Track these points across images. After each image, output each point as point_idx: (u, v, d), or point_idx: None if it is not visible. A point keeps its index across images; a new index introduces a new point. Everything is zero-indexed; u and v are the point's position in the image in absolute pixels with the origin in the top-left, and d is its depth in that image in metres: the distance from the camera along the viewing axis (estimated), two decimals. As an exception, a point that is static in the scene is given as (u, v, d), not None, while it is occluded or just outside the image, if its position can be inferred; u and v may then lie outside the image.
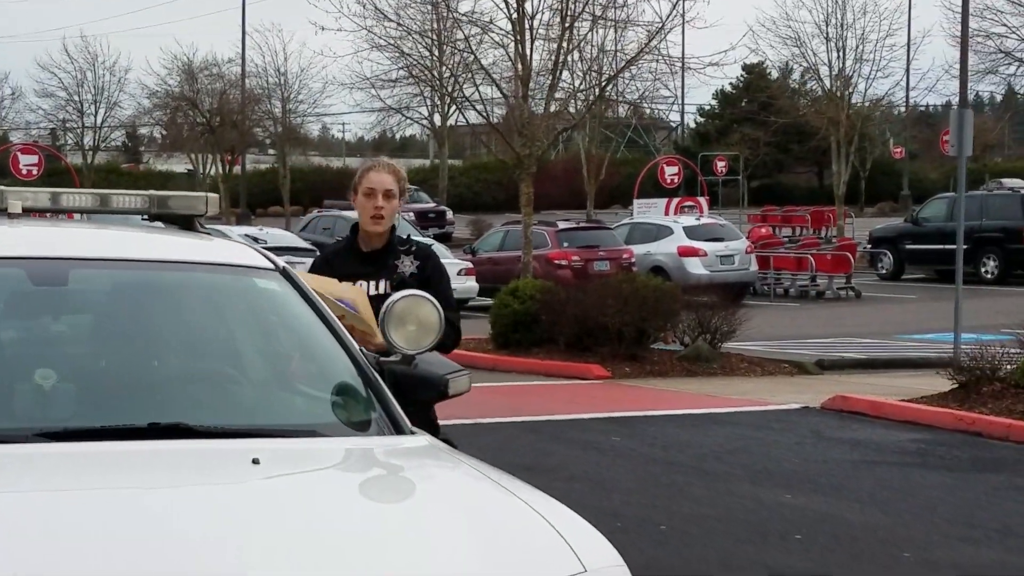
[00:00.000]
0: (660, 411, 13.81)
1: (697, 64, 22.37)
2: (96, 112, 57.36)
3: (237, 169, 55.92)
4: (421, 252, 5.80)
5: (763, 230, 40.73)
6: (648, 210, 36.37)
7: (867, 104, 45.75)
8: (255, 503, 3.32)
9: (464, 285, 28.09)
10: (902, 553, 8.21)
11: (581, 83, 22.67)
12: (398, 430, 4.04)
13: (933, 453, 11.69)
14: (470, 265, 28.74)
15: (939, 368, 17.67)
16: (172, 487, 3.43)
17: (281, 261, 4.51)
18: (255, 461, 3.52)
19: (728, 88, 70.84)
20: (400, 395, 4.25)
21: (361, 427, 4.07)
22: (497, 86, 21.65)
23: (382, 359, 4.34)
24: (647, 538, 8.37)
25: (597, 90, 22.97)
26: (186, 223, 4.85)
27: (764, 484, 10.20)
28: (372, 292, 5.52)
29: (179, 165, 62.66)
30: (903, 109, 58.36)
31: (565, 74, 21.66)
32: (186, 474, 3.51)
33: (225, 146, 53.77)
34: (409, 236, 5.96)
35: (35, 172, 31.16)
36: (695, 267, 30.04)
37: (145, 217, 4.95)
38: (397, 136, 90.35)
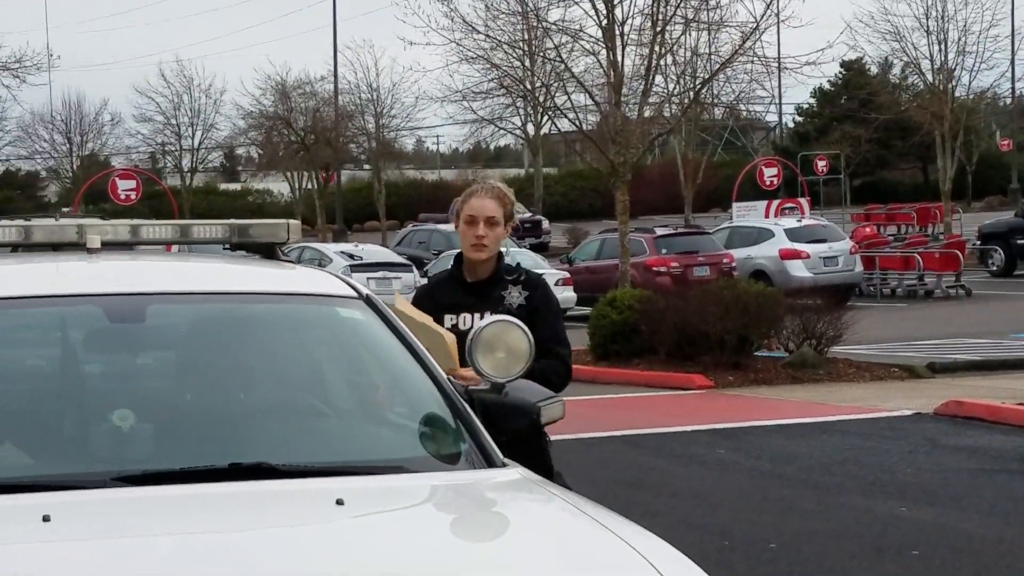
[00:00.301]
0: (766, 421, 13.48)
1: (794, 64, 21.97)
2: (193, 134, 58.07)
3: (332, 185, 56.18)
4: (530, 282, 5.36)
5: (867, 229, 39.99)
6: (748, 213, 35.89)
7: (971, 97, 44.80)
8: (339, 546, 3.16)
9: (562, 295, 27.85)
10: (1027, 568, 7.85)
11: (675, 87, 22.37)
12: (489, 462, 3.83)
13: (1054, 458, 11.25)
14: (567, 275, 28.52)
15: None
16: (253, 530, 3.29)
17: (365, 289, 4.33)
18: (339, 502, 3.35)
19: (826, 86, 69.97)
20: (490, 425, 4.05)
21: (450, 460, 3.88)
22: (589, 94, 21.43)
23: (471, 388, 4.13)
24: (756, 557, 8.08)
25: (692, 94, 22.66)
26: (268, 251, 4.69)
27: (877, 496, 9.85)
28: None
29: (276, 184, 63.14)
30: (1009, 101, 57.23)
31: (658, 79, 21.40)
32: (268, 517, 3.36)
33: (320, 163, 54.08)
34: (518, 265, 5.56)
35: (133, 197, 31.49)
36: (798, 270, 29.58)
37: (227, 247, 4.79)
38: (491, 147, 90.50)
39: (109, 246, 4.43)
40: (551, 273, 28.41)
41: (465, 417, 3.95)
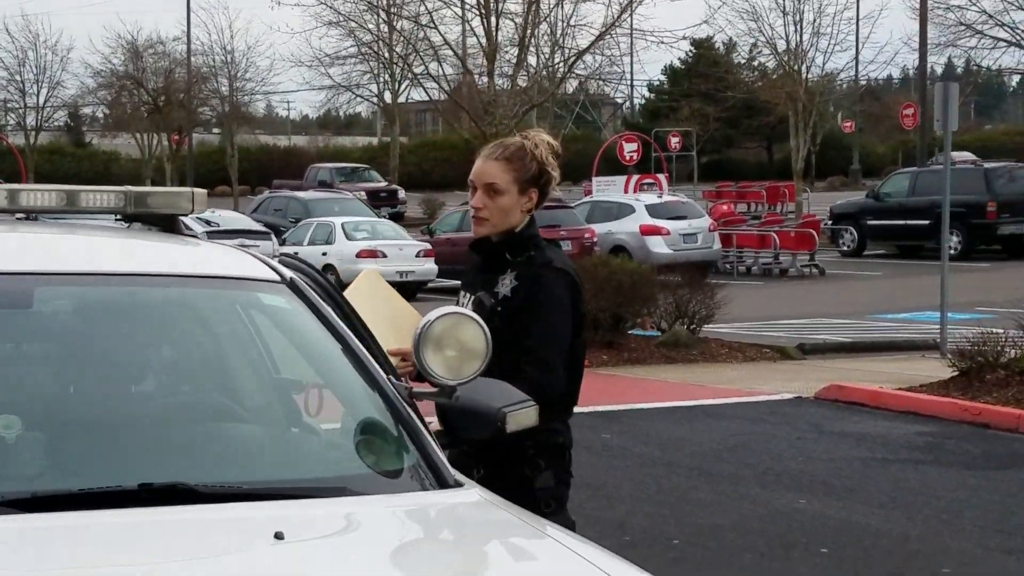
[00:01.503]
0: (648, 404, 13.07)
1: (670, 38, 21.61)
2: (38, 92, 55.99)
3: (183, 148, 54.71)
4: (525, 270, 4.31)
5: (725, 207, 40.10)
6: (607, 188, 35.62)
7: (824, 78, 45.13)
8: None
9: (423, 267, 27.36)
10: (941, 569, 7.52)
11: (548, 59, 21.88)
12: (440, 481, 3.26)
13: (943, 448, 11.02)
14: (428, 246, 27.95)
15: (924, 351, 17.25)
16: (186, 571, 2.66)
17: (288, 271, 3.71)
18: (278, 536, 2.74)
19: (677, 64, 70.27)
20: (448, 434, 3.49)
21: (393, 476, 3.29)
22: (462, 62, 20.83)
23: (416, 390, 3.56)
24: (661, 555, 7.64)
25: (564, 66, 22.19)
26: (168, 224, 4.02)
27: (774, 487, 9.49)
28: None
29: (124, 146, 61.30)
30: (853, 83, 57.86)
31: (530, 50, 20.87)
32: (192, 555, 2.72)
33: (172, 126, 52.55)
34: (535, 243, 4.40)
35: (-25, 154, 30.05)
36: (658, 246, 29.39)
37: (119, 218, 4.12)
38: (343, 114, 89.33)
39: None
40: (411, 244, 27.84)
41: (410, 425, 3.38)
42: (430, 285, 27.22)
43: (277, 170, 57.05)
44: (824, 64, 45.59)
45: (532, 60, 21.53)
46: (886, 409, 12.70)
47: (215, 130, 62.30)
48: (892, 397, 12.94)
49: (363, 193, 43.78)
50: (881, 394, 13.08)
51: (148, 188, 4.04)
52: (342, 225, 28.13)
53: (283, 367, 3.62)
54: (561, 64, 22.59)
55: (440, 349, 3.45)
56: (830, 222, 36.47)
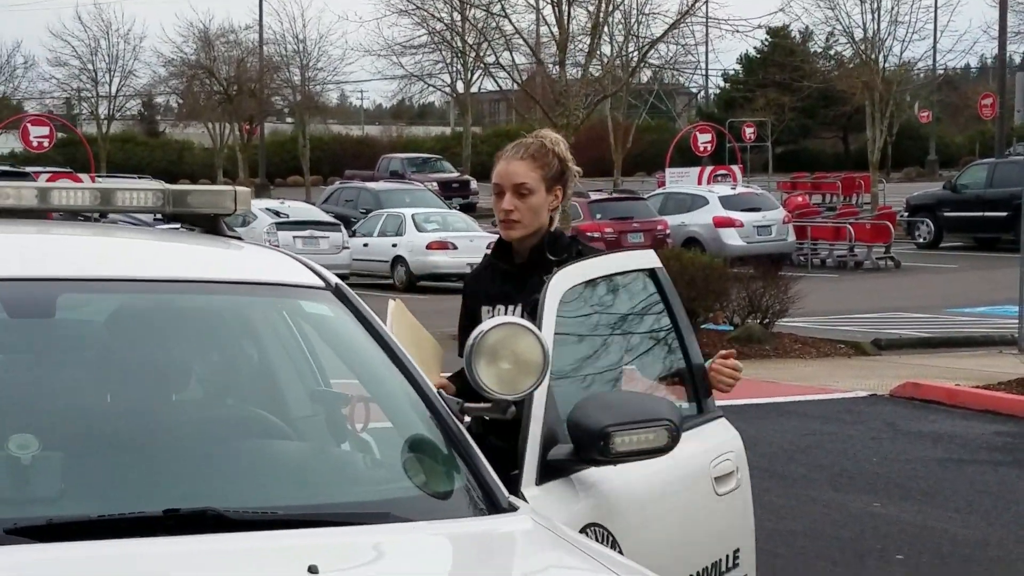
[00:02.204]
0: (719, 401, 12.75)
1: (745, 27, 21.27)
2: (111, 81, 56.35)
3: (255, 138, 54.88)
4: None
5: (800, 199, 39.58)
6: (680, 179, 35.27)
7: (901, 67, 44.43)
8: None
9: (493, 259, 27.12)
10: (1022, 578, 7.24)
11: (622, 48, 21.59)
12: (492, 504, 3.05)
13: (1022, 449, 10.68)
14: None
15: (1002, 346, 16.83)
16: None
17: (333, 277, 3.51)
18: (312, 570, 2.53)
19: (752, 52, 69.62)
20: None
21: (444, 498, 3.09)
22: (533, 52, 20.59)
23: (467, 405, 3.35)
24: (731, 562, 7.39)
25: (638, 54, 21.89)
26: (210, 224, 3.82)
27: (847, 490, 9.21)
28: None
29: (196, 135, 61.60)
30: (930, 72, 56.98)
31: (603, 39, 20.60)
32: None
33: (243, 115, 52.67)
34: (574, 240, 4.34)
35: (46, 144, 30.15)
36: (732, 238, 29.07)
37: (159, 217, 3.93)
38: (416, 104, 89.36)
39: (9, 214, 3.58)
40: (482, 235, 27.65)
41: (461, 442, 3.17)
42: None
43: (349, 160, 57.10)
44: (902, 53, 44.78)
45: (606, 49, 21.33)
46: (963, 408, 12.36)
47: (288, 119, 62.51)
48: (970, 395, 12.59)
49: (435, 184, 43.69)
50: (958, 392, 12.73)
51: (188, 186, 3.85)
52: (412, 216, 27.98)
53: (327, 379, 3.41)
54: (635, 53, 22.29)
55: (494, 361, 3.25)
56: (906, 214, 35.92)
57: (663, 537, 3.80)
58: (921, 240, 34.94)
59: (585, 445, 3.43)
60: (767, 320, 16.91)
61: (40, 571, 2.50)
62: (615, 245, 26.57)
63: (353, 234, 28.03)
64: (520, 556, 2.92)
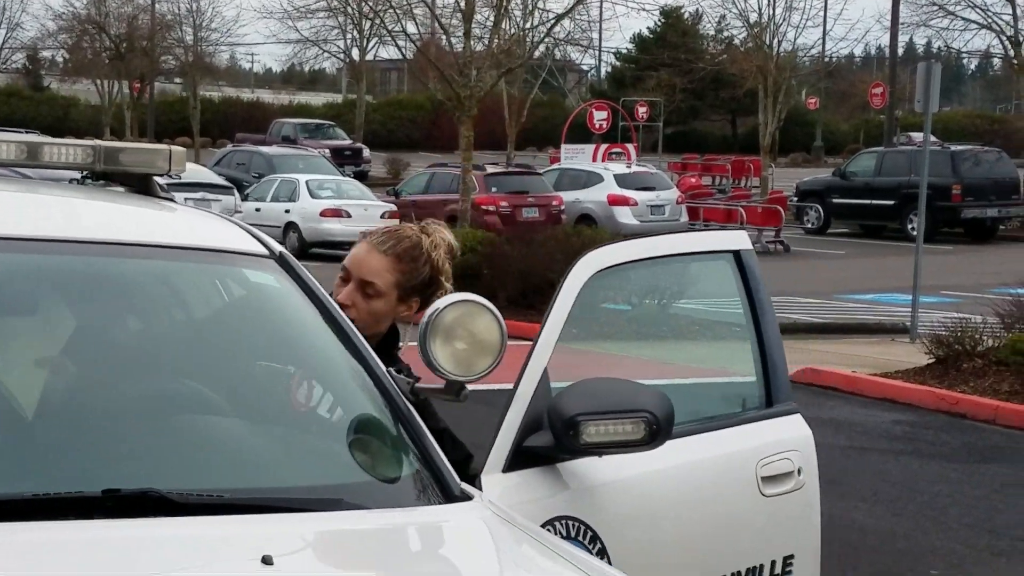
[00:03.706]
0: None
1: (652, 5, 21.21)
2: (-3, 33, 54.99)
3: (145, 97, 53.89)
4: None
5: (692, 179, 39.84)
6: (575, 156, 35.26)
7: (792, 53, 44.82)
8: None
9: (387, 228, 26.88)
10: (930, 571, 7.23)
11: (526, 20, 21.46)
12: (443, 490, 2.88)
13: (922, 438, 10.74)
14: (394, 207, 27.48)
15: (894, 334, 16.99)
16: None
17: (277, 245, 3.30)
18: (266, 560, 2.35)
19: (646, 32, 69.98)
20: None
21: (392, 482, 2.91)
22: (438, 21, 20.37)
23: (417, 386, 3.17)
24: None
25: (543, 29, 21.77)
26: (141, 184, 3.57)
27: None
28: None
29: (83, 91, 60.33)
30: (819, 59, 57.62)
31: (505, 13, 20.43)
32: None
33: (133, 73, 51.70)
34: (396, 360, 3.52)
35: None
36: (625, 216, 29.13)
37: (85, 175, 3.68)
38: (307, 70, 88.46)
39: None
40: (377, 205, 27.38)
41: (412, 425, 3.00)
42: (394, 247, 26.81)
43: (240, 123, 56.31)
44: (796, 39, 45.18)
45: (504, 24, 21.16)
46: (862, 395, 12.43)
47: (177, 80, 61.45)
48: (868, 383, 12.66)
49: (327, 151, 43.22)
50: (857, 379, 12.80)
51: (120, 143, 3.62)
52: (307, 183, 27.61)
53: (270, 353, 3.20)
54: (540, 27, 22.17)
55: (449, 341, 3.08)
56: (796, 199, 36.28)
57: (666, 537, 3.58)
58: (810, 225, 35.30)
59: (557, 434, 3.28)
60: (664, 300, 16.87)
61: None
62: (510, 219, 26.46)
63: (246, 198, 27.60)
64: (469, 547, 2.76)
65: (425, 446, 2.97)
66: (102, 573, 2.29)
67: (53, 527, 2.39)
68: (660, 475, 3.56)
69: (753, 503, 3.79)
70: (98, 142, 3.52)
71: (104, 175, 3.57)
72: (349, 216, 26.33)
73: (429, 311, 3.08)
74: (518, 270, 16.10)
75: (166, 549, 2.40)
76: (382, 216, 26.94)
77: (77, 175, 3.60)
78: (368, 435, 2.99)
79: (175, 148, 3.62)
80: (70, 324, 3.00)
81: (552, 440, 3.31)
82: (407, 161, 48.51)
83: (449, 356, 3.06)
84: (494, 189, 27.95)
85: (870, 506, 8.48)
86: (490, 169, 29.34)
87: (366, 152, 48.52)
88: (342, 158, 43.77)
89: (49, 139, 3.60)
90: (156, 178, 3.65)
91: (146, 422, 2.80)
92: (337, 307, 3.24)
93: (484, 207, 26.69)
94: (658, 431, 3.28)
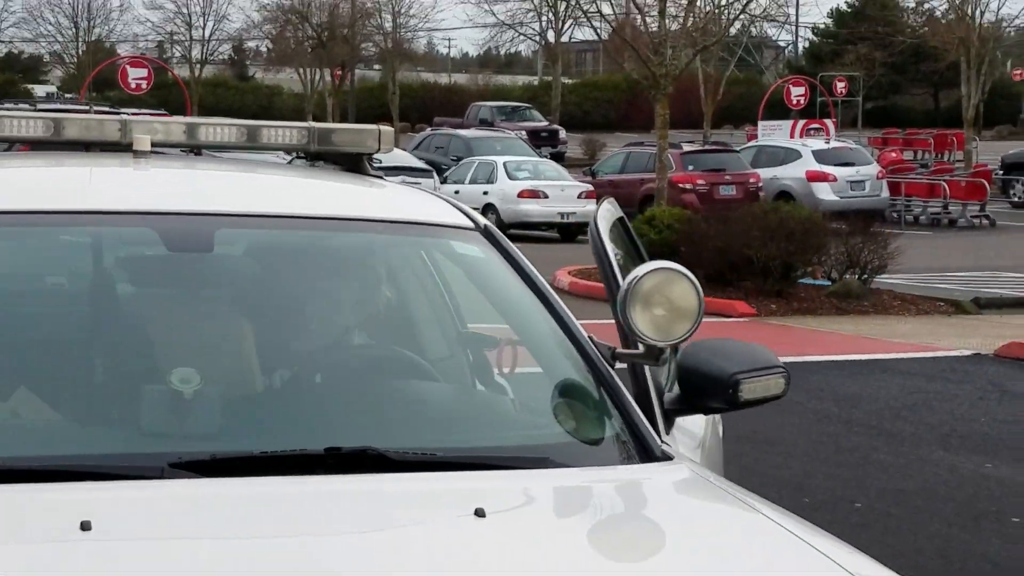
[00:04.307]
0: (820, 356, 12.65)
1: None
2: (204, 25, 56.67)
3: (346, 84, 54.95)
4: None
5: (893, 154, 39.05)
6: (773, 132, 34.88)
7: (1001, 23, 43.58)
8: None
9: (585, 209, 27.00)
10: None
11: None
12: (646, 453, 2.97)
13: None
14: (591, 187, 27.61)
15: (1107, 309, 16.50)
16: (376, 548, 2.38)
17: (482, 218, 3.43)
18: (479, 513, 2.47)
19: (843, 6, 68.70)
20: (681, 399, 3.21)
21: (596, 444, 3.01)
22: (633, 1, 20.35)
23: (619, 351, 3.26)
24: (844, 520, 7.27)
25: (739, 5, 21.62)
26: (352, 163, 3.75)
27: (957, 450, 9.05)
28: None
29: (286, 80, 61.78)
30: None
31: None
32: (387, 531, 2.46)
33: (335, 61, 52.77)
34: None
35: (144, 86, 30.35)
36: (825, 193, 28.73)
37: (299, 155, 3.87)
38: (504, 53, 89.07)
39: (159, 148, 3.53)
40: (574, 185, 27.53)
41: (614, 389, 3.09)
42: (591, 227, 26.91)
43: (438, 107, 57.05)
44: (999, 9, 43.94)
45: (700, 1, 21.07)
46: (1072, 370, 12.13)
47: (376, 66, 62.53)
48: (1078, 358, 12.34)
49: (524, 132, 43.52)
50: (1066, 354, 12.49)
51: (332, 124, 3.79)
52: (504, 164, 27.89)
53: (477, 321, 3.34)
54: (735, 4, 22.00)
55: (648, 307, 3.16)
56: (1001, 172, 35.33)
57: None
58: (1016, 199, 34.40)
59: (710, 392, 3.32)
60: (865, 276, 16.69)
61: (204, 505, 2.46)
62: (708, 197, 26.37)
63: (444, 180, 28.00)
64: (671, 504, 2.84)
65: (626, 408, 3.06)
66: (327, 523, 2.44)
67: (280, 481, 2.55)
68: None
69: None
70: (312, 124, 3.70)
71: (317, 155, 3.76)
72: (546, 197, 26.53)
73: (628, 278, 3.16)
74: (715, 247, 16.06)
75: (385, 501, 2.55)
76: (579, 196, 27.10)
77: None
78: (572, 398, 3.09)
79: (384, 128, 3.78)
80: (293, 296, 3.18)
81: (681, 399, 3.32)
82: (603, 141, 48.58)
83: (648, 322, 3.14)
84: (691, 167, 27.86)
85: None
86: (687, 147, 29.24)
87: (562, 133, 48.69)
88: (539, 139, 44.03)
89: (262, 122, 3.80)
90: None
91: (363, 386, 2.96)
92: (540, 277, 3.35)
93: (681, 185, 26.62)
94: (790, 383, 3.36)
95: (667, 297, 3.17)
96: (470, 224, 3.37)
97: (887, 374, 11.89)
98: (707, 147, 31.24)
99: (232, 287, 3.16)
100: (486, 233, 3.37)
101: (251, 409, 2.83)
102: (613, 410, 3.06)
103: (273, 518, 2.45)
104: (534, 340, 3.25)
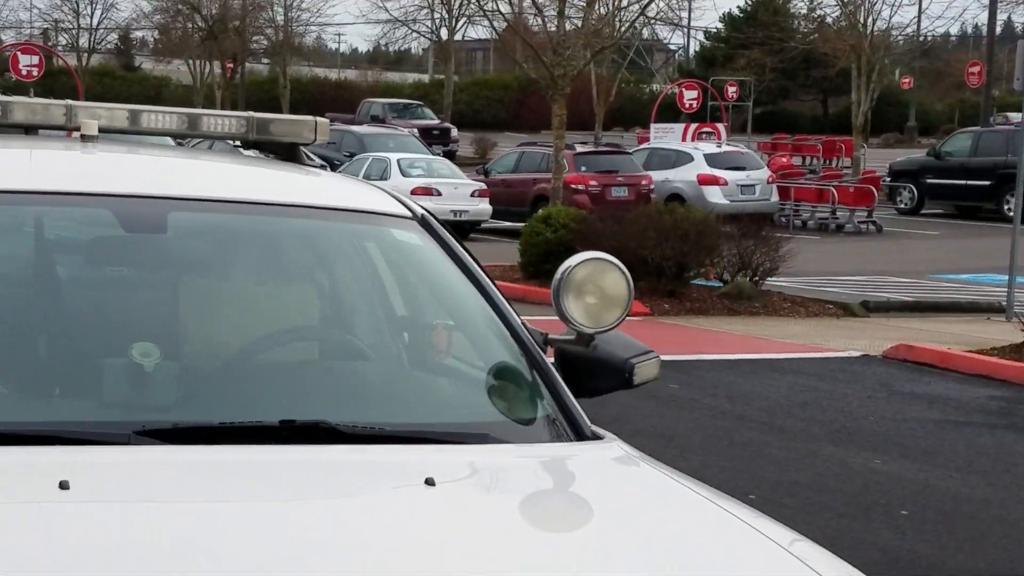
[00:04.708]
0: (713, 355, 12.94)
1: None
2: (92, 13, 55.94)
3: (236, 77, 54.56)
4: None
5: (783, 159, 39.73)
6: (665, 135, 35.31)
7: (891, 31, 44.47)
8: (438, 544, 2.43)
9: (477, 207, 27.18)
10: (1025, 537, 7.37)
11: (617, 1, 21.59)
12: (576, 432, 3.13)
13: (1018, 413, 10.84)
14: (483, 186, 27.75)
15: (990, 313, 17.00)
16: (339, 512, 2.53)
17: (419, 207, 3.57)
18: (429, 482, 2.61)
19: (736, 11, 69.70)
20: (569, 384, 3.36)
21: (528, 424, 3.17)
22: (533, 1, 20.55)
23: (551, 336, 3.42)
24: (740, 510, 7.50)
25: (638, 7, 21.91)
26: (289, 153, 3.89)
27: (847, 446, 9.34)
28: None
29: (173, 71, 61.16)
30: (913, 38, 57.07)
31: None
32: (346, 495, 2.63)
33: (225, 53, 52.41)
34: None
35: (35, 73, 29.97)
36: (715, 196, 29.13)
37: (237, 144, 3.98)
38: (393, 50, 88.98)
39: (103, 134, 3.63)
40: (467, 184, 27.66)
41: (546, 372, 3.24)
42: (483, 225, 27.08)
43: (328, 103, 56.86)
44: (891, 17, 44.84)
45: (597, 4, 21.27)
46: (956, 371, 12.52)
47: (264, 60, 62.15)
48: (962, 359, 12.74)
49: (415, 130, 43.58)
50: (951, 356, 12.88)
51: (271, 115, 3.90)
52: (398, 161, 27.94)
53: (415, 307, 3.48)
54: (633, 6, 22.30)
55: (581, 295, 3.32)
56: (889, 179, 36.08)
57: None
58: (903, 206, 35.11)
59: (604, 377, 3.43)
60: (757, 278, 17.04)
61: (169, 470, 2.59)
62: (600, 198, 26.62)
63: (338, 177, 27.94)
64: (602, 478, 2.99)
65: (558, 391, 3.21)
66: (288, 487, 2.58)
67: (240, 449, 2.69)
68: None
69: None
70: (251, 113, 3.82)
71: (256, 144, 3.87)
72: (440, 194, 26.63)
73: (562, 268, 3.32)
74: (611, 247, 16.25)
75: (339, 470, 2.69)
76: (472, 195, 27.24)
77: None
78: (507, 381, 3.24)
79: (320, 119, 3.91)
80: (242, 277, 3.30)
81: (598, 384, 3.45)
82: (494, 141, 48.80)
83: (581, 310, 3.31)
84: (584, 168, 28.10)
85: (964, 476, 8.62)
86: (580, 148, 29.48)
87: (454, 132, 48.84)
88: (431, 138, 44.10)
89: (206, 111, 3.90)
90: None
91: (312, 365, 3.11)
92: (476, 264, 3.49)
93: (574, 186, 26.84)
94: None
95: (598, 286, 3.34)
96: (408, 213, 3.50)
97: (779, 373, 12.19)
98: (600, 148, 31.52)
99: (185, 267, 3.28)
100: (423, 222, 3.50)
101: (208, 382, 2.96)
102: (546, 392, 3.21)
103: (236, 483, 2.58)
104: (470, 325, 3.39)
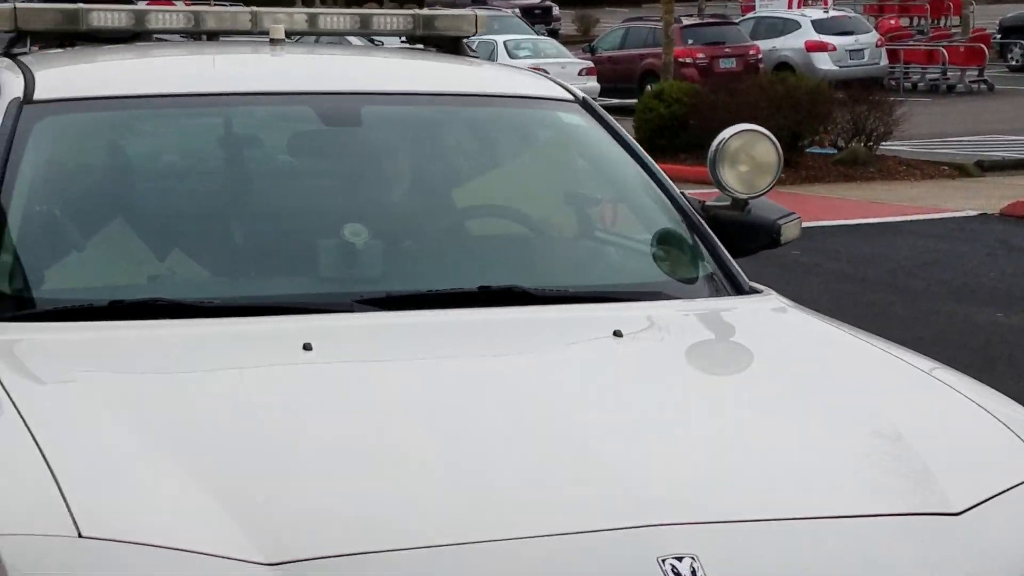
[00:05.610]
0: (833, 221, 13.16)
1: None
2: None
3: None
4: None
5: (892, 21, 39.17)
6: (771, 3, 35.03)
7: None
8: (628, 382, 2.86)
9: (585, 85, 27.29)
10: None
11: None
12: (737, 288, 3.49)
13: None
14: (591, 64, 27.88)
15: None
16: (546, 359, 3.01)
17: (579, 91, 3.93)
18: (617, 333, 3.00)
19: None
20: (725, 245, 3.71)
21: (695, 282, 3.53)
22: None
23: (708, 203, 3.77)
24: (869, 366, 7.82)
25: None
26: (452, 46, 4.26)
27: (969, 302, 9.59)
28: None
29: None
30: None
31: None
32: (546, 348, 3.06)
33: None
34: None
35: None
36: (824, 63, 29.00)
37: (404, 40, 4.36)
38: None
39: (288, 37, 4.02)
40: (573, 62, 27.79)
41: (706, 236, 3.60)
42: (593, 103, 27.22)
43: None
44: None
45: None
46: (1075, 225, 12.64)
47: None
48: (1080, 214, 12.85)
49: (517, 10, 43.54)
50: (1070, 211, 12.99)
51: (434, 11, 4.26)
52: (504, 43, 28.10)
53: (588, 183, 3.87)
54: None
55: (735, 165, 3.66)
56: (999, 36, 35.54)
57: None
58: (1014, 63, 34.63)
59: (754, 238, 3.73)
60: (871, 143, 17.14)
61: (387, 332, 3.02)
62: (708, 71, 26.65)
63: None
64: (781, 325, 3.35)
65: (718, 252, 3.57)
66: (493, 344, 3.01)
67: (445, 313, 3.10)
68: None
69: None
70: (417, 11, 4.19)
71: (422, 39, 4.25)
72: (547, 74, 26.79)
73: (716, 140, 3.67)
74: (723, 119, 16.42)
75: (538, 326, 3.10)
76: (579, 73, 27.38)
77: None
78: (671, 245, 3.61)
79: (480, 12, 4.27)
80: (432, 162, 3.71)
81: (748, 244, 3.74)
82: (597, 17, 48.62)
83: (735, 177, 3.65)
84: (690, 41, 28.10)
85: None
86: (686, 21, 29.46)
87: (556, 10, 48.70)
88: (532, 17, 44.02)
89: (373, 10, 4.27)
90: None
91: (500, 238, 3.53)
92: (635, 142, 3.84)
93: (681, 60, 26.88)
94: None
95: (750, 155, 3.67)
96: (571, 97, 3.86)
97: (897, 236, 12.40)
98: (706, 20, 31.44)
99: (379, 155, 3.67)
100: (585, 104, 3.85)
101: (412, 256, 3.37)
102: (706, 254, 3.57)
103: (450, 340, 3.01)
104: (635, 197, 3.75)
